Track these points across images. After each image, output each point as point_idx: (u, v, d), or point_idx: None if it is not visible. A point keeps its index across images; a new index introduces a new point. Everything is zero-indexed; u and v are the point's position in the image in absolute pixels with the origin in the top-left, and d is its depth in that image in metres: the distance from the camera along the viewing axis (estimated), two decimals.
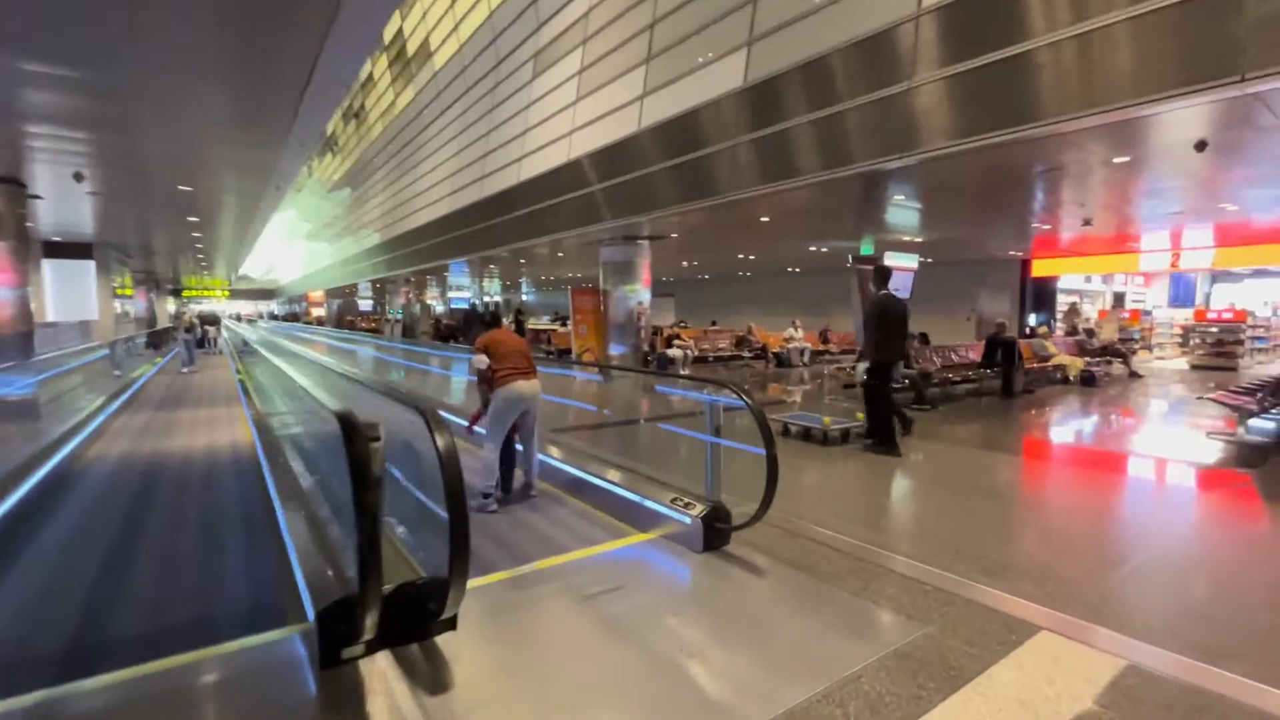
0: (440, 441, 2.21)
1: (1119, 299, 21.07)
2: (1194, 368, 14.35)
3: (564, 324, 18.72)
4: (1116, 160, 6.46)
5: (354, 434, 2.15)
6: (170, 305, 36.35)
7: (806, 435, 6.65)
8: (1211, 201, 9.21)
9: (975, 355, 10.85)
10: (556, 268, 20.98)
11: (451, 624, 2.53)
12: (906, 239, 12.50)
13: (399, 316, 25.79)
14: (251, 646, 2.57)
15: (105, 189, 9.93)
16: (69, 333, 15.13)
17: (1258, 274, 18.76)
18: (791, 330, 15.73)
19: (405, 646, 2.49)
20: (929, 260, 14.86)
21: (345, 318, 35.07)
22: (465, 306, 30.30)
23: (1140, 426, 8.28)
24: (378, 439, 2.32)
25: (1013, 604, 2.87)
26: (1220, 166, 6.80)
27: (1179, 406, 9.64)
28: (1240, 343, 14.33)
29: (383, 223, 22.70)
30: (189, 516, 4.78)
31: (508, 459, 4.54)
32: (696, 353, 14.86)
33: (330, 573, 2.67)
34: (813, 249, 14.99)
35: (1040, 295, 18.19)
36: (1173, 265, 15.21)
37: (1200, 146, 5.64)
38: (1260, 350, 15.79)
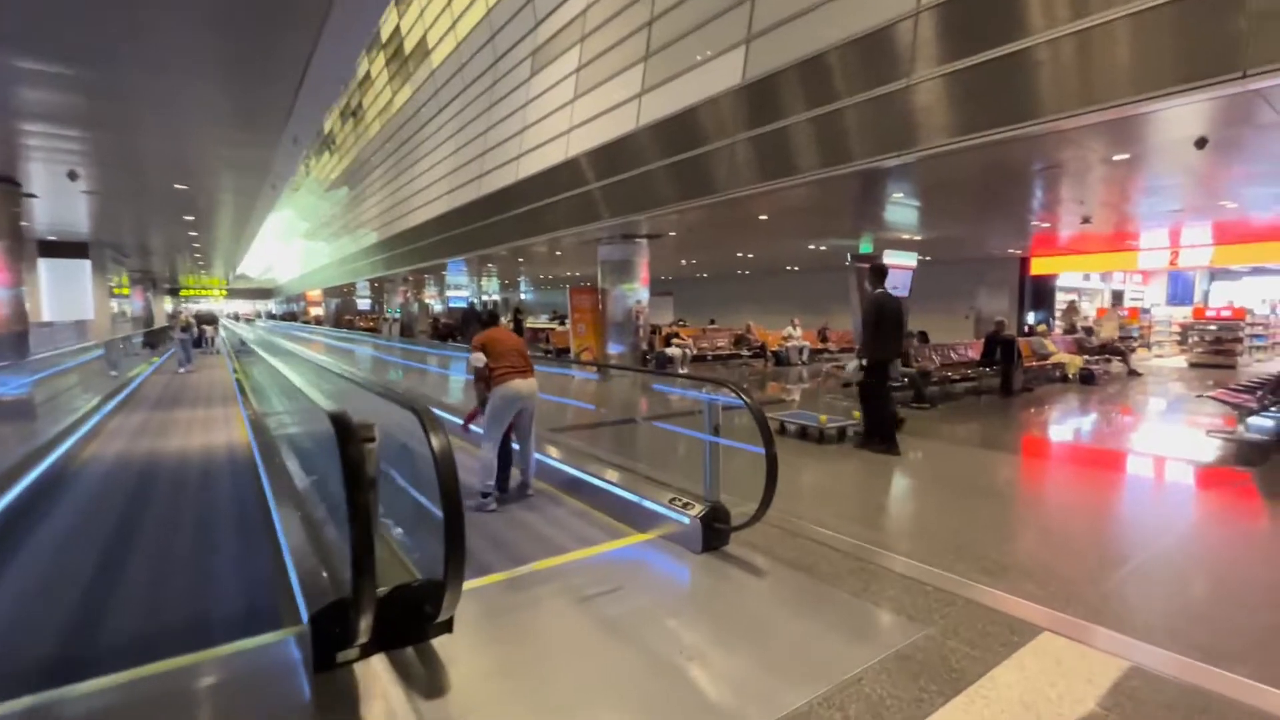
0: (435, 441, 2.18)
1: (1117, 297, 21.08)
2: (1193, 366, 14.35)
3: (562, 323, 18.68)
4: (1116, 158, 6.43)
5: (348, 435, 2.12)
6: (168, 305, 36.26)
7: (803, 434, 6.63)
8: (1210, 199, 9.20)
9: (974, 353, 10.85)
10: (555, 266, 20.94)
11: (448, 626, 2.50)
12: (905, 237, 12.48)
13: (397, 315, 25.73)
14: (246, 649, 2.53)
15: (100, 187, 9.88)
16: (65, 333, 15.06)
17: (1256, 271, 18.78)
18: (790, 329, 15.71)
19: (401, 649, 2.47)
20: (927, 258, 14.83)
21: (343, 317, 34.99)
22: (463, 305, 30.26)
23: (1140, 425, 8.27)
24: (372, 440, 2.30)
25: (1014, 604, 2.85)
26: (1219, 164, 6.78)
27: (1178, 404, 9.63)
28: (1239, 340, 14.34)
29: (380, 221, 22.64)
30: (184, 517, 4.74)
31: (504, 458, 4.52)
32: (695, 351, 14.84)
33: (325, 575, 2.64)
34: (811, 247, 14.96)
35: (1039, 293, 18.19)
36: (1171, 263, 15.20)
37: (1201, 144, 5.62)
38: (1259, 348, 15.79)
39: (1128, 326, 16.40)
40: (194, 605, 3.27)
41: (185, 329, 15.52)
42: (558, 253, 16.08)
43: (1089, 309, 18.91)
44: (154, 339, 21.50)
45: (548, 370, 9.82)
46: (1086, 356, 12.04)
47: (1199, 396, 9.52)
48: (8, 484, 4.76)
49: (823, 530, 3.79)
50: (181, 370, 14.42)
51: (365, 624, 2.18)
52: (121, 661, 2.41)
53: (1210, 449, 6.22)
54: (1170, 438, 7.22)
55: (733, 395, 3.46)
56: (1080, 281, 19.87)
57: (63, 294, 15.20)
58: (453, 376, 10.50)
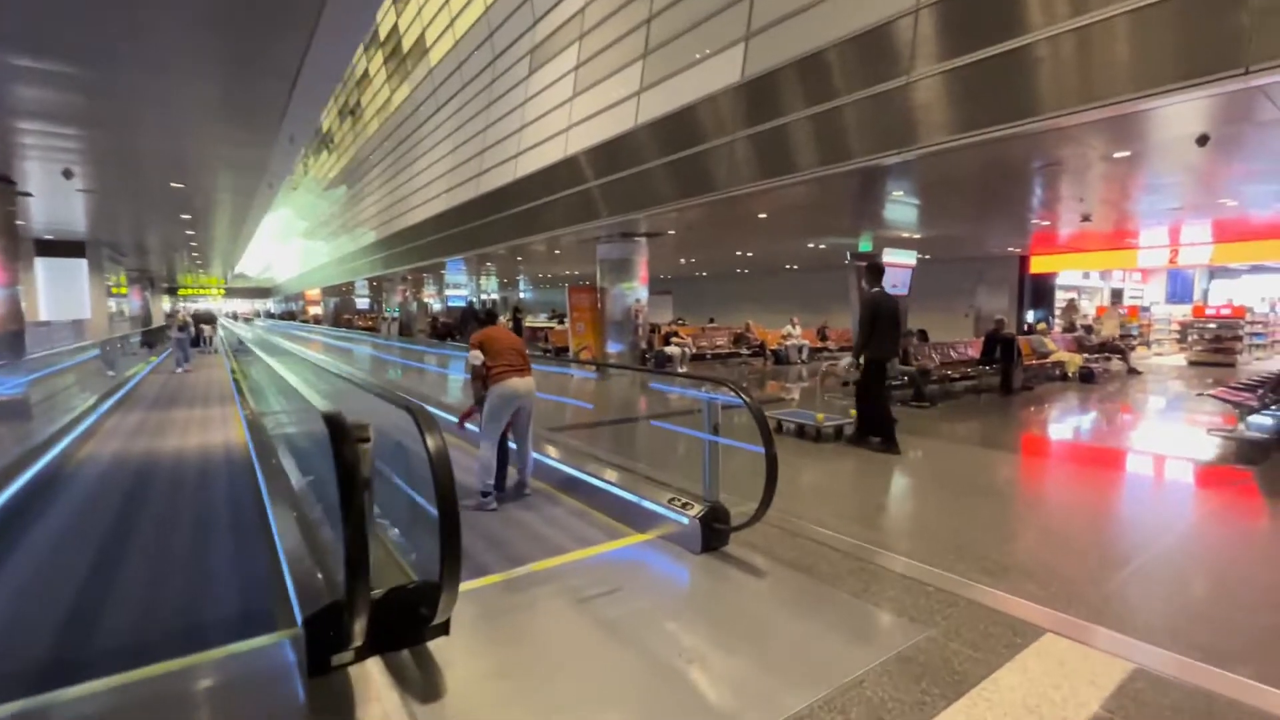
0: (431, 441, 2.15)
1: (1117, 295, 21.07)
2: (1192, 364, 14.34)
3: (561, 322, 18.65)
4: (1117, 155, 6.41)
5: (342, 435, 2.09)
6: (166, 304, 36.17)
7: (801, 432, 6.62)
8: (1210, 197, 9.18)
9: (974, 352, 10.82)
10: (554, 265, 20.90)
11: (444, 629, 2.47)
12: (905, 235, 12.45)
13: (396, 315, 25.69)
14: (240, 653, 2.51)
15: (95, 186, 9.83)
16: (62, 332, 15.01)
17: (1255, 270, 18.78)
18: (789, 327, 15.70)
19: (397, 652, 2.44)
20: (927, 257, 14.81)
21: (342, 316, 34.93)
22: (462, 304, 30.23)
23: (1140, 423, 8.25)
24: (367, 440, 2.27)
25: (1016, 605, 2.82)
26: (1220, 161, 6.76)
27: (1178, 403, 9.62)
28: (1239, 339, 14.33)
29: (379, 220, 22.59)
30: (180, 518, 4.71)
31: (501, 457, 4.49)
32: (694, 350, 14.81)
33: (320, 577, 2.61)
34: (811, 246, 14.93)
35: (1038, 291, 18.17)
36: (1171, 261, 15.18)
37: (1202, 141, 5.59)
38: (1258, 346, 15.78)
39: (1127, 325, 16.39)
40: (188, 607, 3.24)
41: (182, 328, 15.45)
42: (556, 251, 16.04)
43: (1088, 307, 18.90)
44: (151, 338, 21.44)
45: (547, 369, 9.80)
46: (1086, 355, 12.02)
47: (1199, 395, 9.51)
48: (2, 484, 4.73)
49: (822, 530, 3.76)
50: (179, 370, 14.37)
51: (360, 627, 2.15)
52: (114, 665, 2.39)
53: (1211, 447, 6.20)
54: (1171, 436, 7.20)
55: (732, 394, 3.44)
56: (1080, 280, 19.85)
57: (60, 293, 15.15)
58: (451, 376, 10.47)
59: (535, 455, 4.73)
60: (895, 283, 12.76)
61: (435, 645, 2.48)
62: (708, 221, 10.97)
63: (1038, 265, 17.35)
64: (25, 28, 4.74)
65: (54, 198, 10.72)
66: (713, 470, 3.62)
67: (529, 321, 22.43)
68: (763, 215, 10.21)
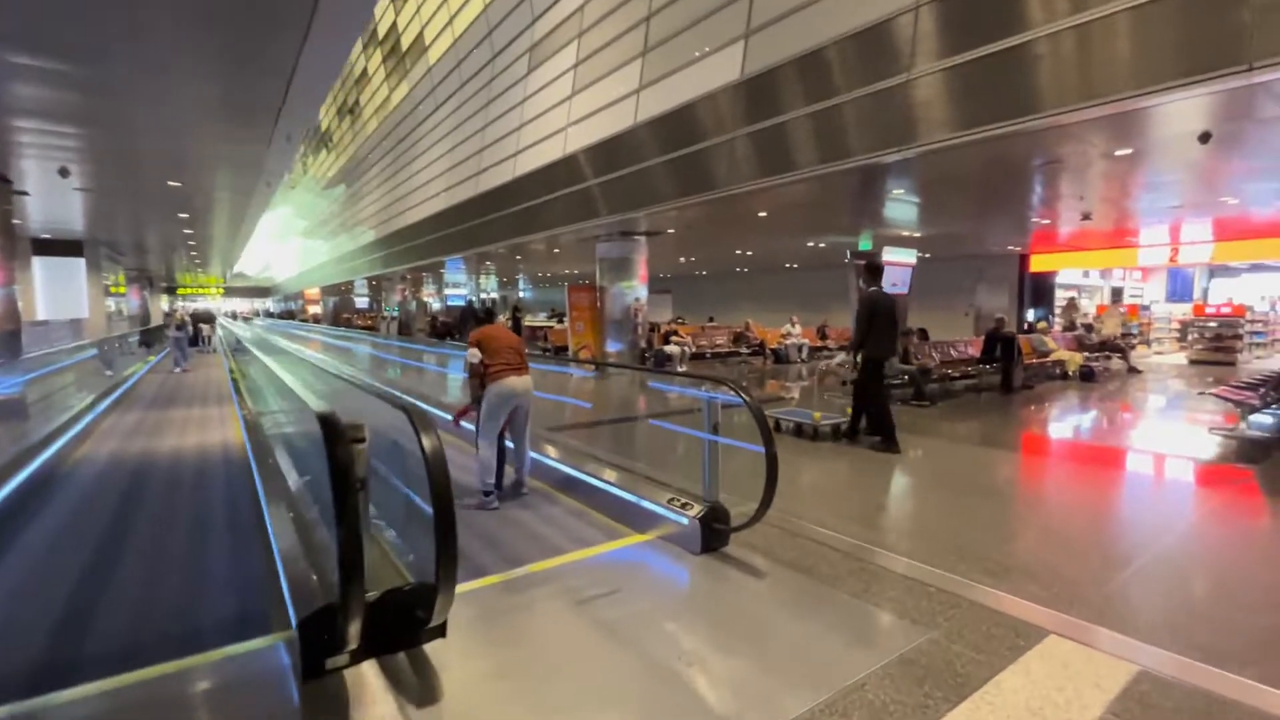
0: (426, 442, 2.12)
1: (1117, 294, 21.05)
2: (1192, 362, 14.32)
3: (561, 321, 18.61)
4: (1118, 153, 6.38)
5: (336, 436, 2.06)
6: (164, 303, 36.12)
7: (798, 431, 6.61)
8: (1211, 195, 9.16)
9: (974, 351, 10.80)
10: (553, 264, 20.86)
11: (441, 631, 2.44)
12: (905, 234, 12.42)
13: (395, 314, 25.65)
14: (234, 655, 2.48)
15: (92, 184, 9.79)
16: (60, 331, 14.97)
17: (1255, 269, 18.75)
18: (789, 326, 15.68)
19: (393, 655, 2.41)
20: (927, 255, 14.79)
21: (341, 315, 34.89)
22: (462, 304, 30.19)
23: (1141, 422, 8.22)
24: (362, 440, 2.24)
25: (1019, 606, 2.80)
26: (1221, 159, 6.74)
27: (1178, 402, 9.60)
28: (1239, 337, 14.31)
29: (378, 219, 22.54)
30: (176, 518, 4.68)
31: (499, 456, 4.47)
32: (694, 349, 14.78)
33: (315, 578, 2.58)
34: (810, 244, 14.90)
35: (1038, 290, 18.14)
36: (1171, 260, 15.16)
37: (1204, 138, 5.57)
38: (1258, 345, 15.77)
39: (1128, 324, 16.37)
40: (183, 609, 3.21)
41: (180, 327, 15.40)
42: (556, 250, 16.01)
43: (1088, 306, 18.88)
44: (150, 338, 21.40)
45: (546, 368, 9.77)
46: (1086, 354, 11.99)
47: (1200, 394, 9.49)
48: None
49: (823, 530, 3.74)
50: (177, 370, 14.33)
51: (354, 630, 2.12)
52: (107, 668, 2.36)
53: (1212, 446, 6.18)
54: (1172, 435, 7.18)
55: (732, 393, 3.41)
56: (1080, 278, 19.83)
57: (57, 292, 15.11)
58: (451, 375, 10.44)
59: (534, 454, 4.71)
60: (895, 281, 12.73)
61: (432, 648, 2.45)
62: (707, 220, 10.94)
63: (1038, 264, 17.32)
64: (23, 25, 4.70)
65: (51, 196, 10.68)
66: (712, 470, 3.60)
67: (528, 320, 22.39)
68: (762, 214, 10.18)
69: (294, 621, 2.34)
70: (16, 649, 2.81)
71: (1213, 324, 14.66)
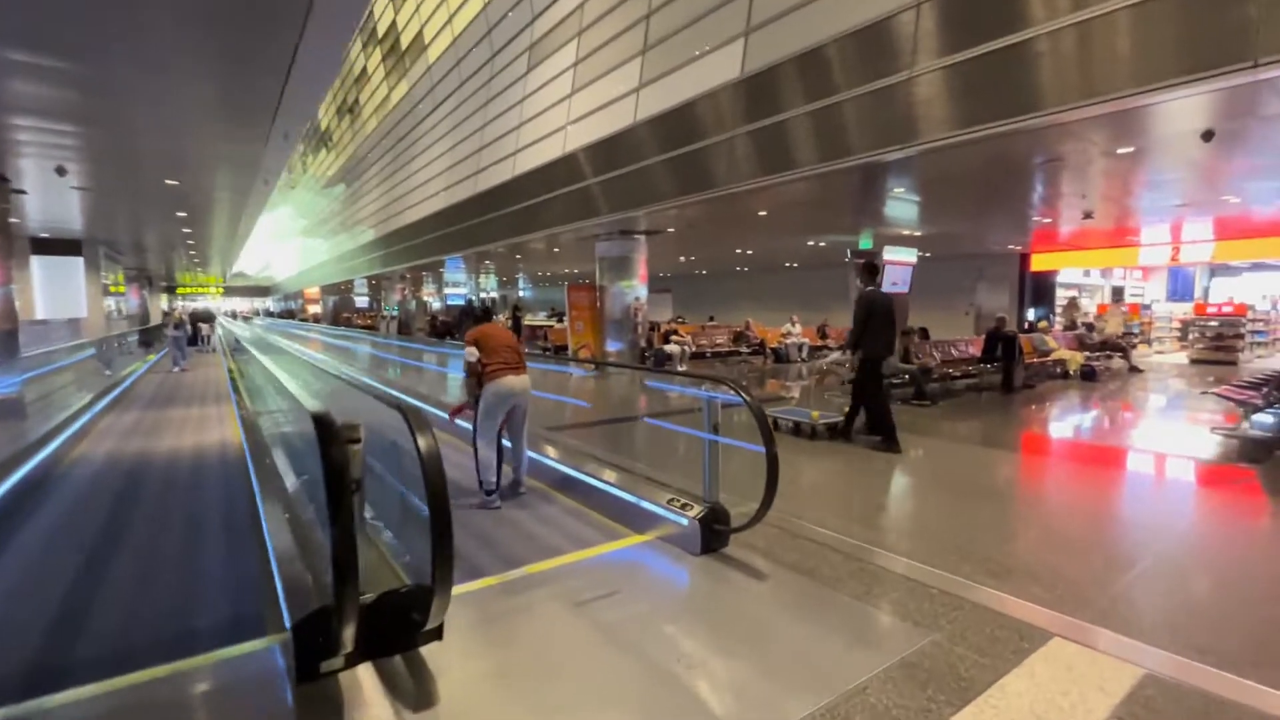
0: (422, 442, 2.09)
1: (1117, 293, 21.02)
2: (1194, 362, 14.29)
3: (560, 320, 18.57)
4: (1120, 151, 6.35)
5: (330, 436, 2.03)
6: (164, 302, 36.08)
7: (796, 430, 6.58)
8: (1213, 194, 9.13)
9: (975, 350, 10.77)
10: (553, 263, 20.83)
11: (437, 634, 2.41)
12: (906, 233, 12.39)
13: (394, 313, 25.62)
14: (228, 658, 2.45)
15: (89, 183, 9.74)
16: (59, 331, 14.94)
17: (1256, 267, 18.71)
18: (789, 326, 15.65)
19: (389, 658, 2.38)
20: (927, 254, 14.75)
21: (341, 315, 34.86)
22: (462, 303, 30.16)
23: (1143, 421, 8.19)
24: (357, 441, 2.21)
25: (1022, 608, 2.77)
26: (1223, 157, 6.71)
27: (1180, 401, 9.57)
28: (1240, 337, 14.28)
29: (378, 218, 22.51)
30: (172, 519, 4.65)
31: (498, 455, 4.44)
32: (694, 348, 14.74)
33: (310, 580, 2.55)
34: (811, 243, 14.87)
35: (1039, 289, 18.11)
36: (1173, 259, 15.13)
37: (1207, 136, 5.53)
38: (1260, 344, 15.73)
39: (1129, 323, 16.34)
40: (178, 611, 3.18)
41: (177, 326, 15.36)
42: (555, 249, 15.97)
43: (1089, 305, 18.85)
44: (149, 337, 21.36)
45: (545, 367, 9.74)
46: (1088, 353, 11.96)
47: (1202, 393, 9.47)
48: None
49: (824, 531, 3.70)
50: (175, 369, 14.30)
51: (349, 633, 2.09)
52: (99, 671, 2.33)
53: (1214, 446, 6.14)
54: (1174, 435, 7.15)
55: (732, 393, 3.38)
56: (1080, 277, 19.80)
57: (56, 292, 15.05)
58: (451, 374, 10.41)
59: (532, 454, 4.68)
60: (896, 280, 12.70)
61: (429, 650, 2.42)
62: (707, 219, 10.91)
63: (1038, 263, 17.29)
64: (22, 22, 4.67)
65: (49, 195, 10.64)
66: (712, 470, 3.56)
67: (528, 320, 22.36)
68: (763, 212, 10.14)
69: (288, 624, 2.32)
70: (10, 651, 2.78)
71: (1214, 323, 14.62)
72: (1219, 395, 6.98)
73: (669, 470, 4.14)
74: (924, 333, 10.90)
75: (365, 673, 2.29)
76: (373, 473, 3.14)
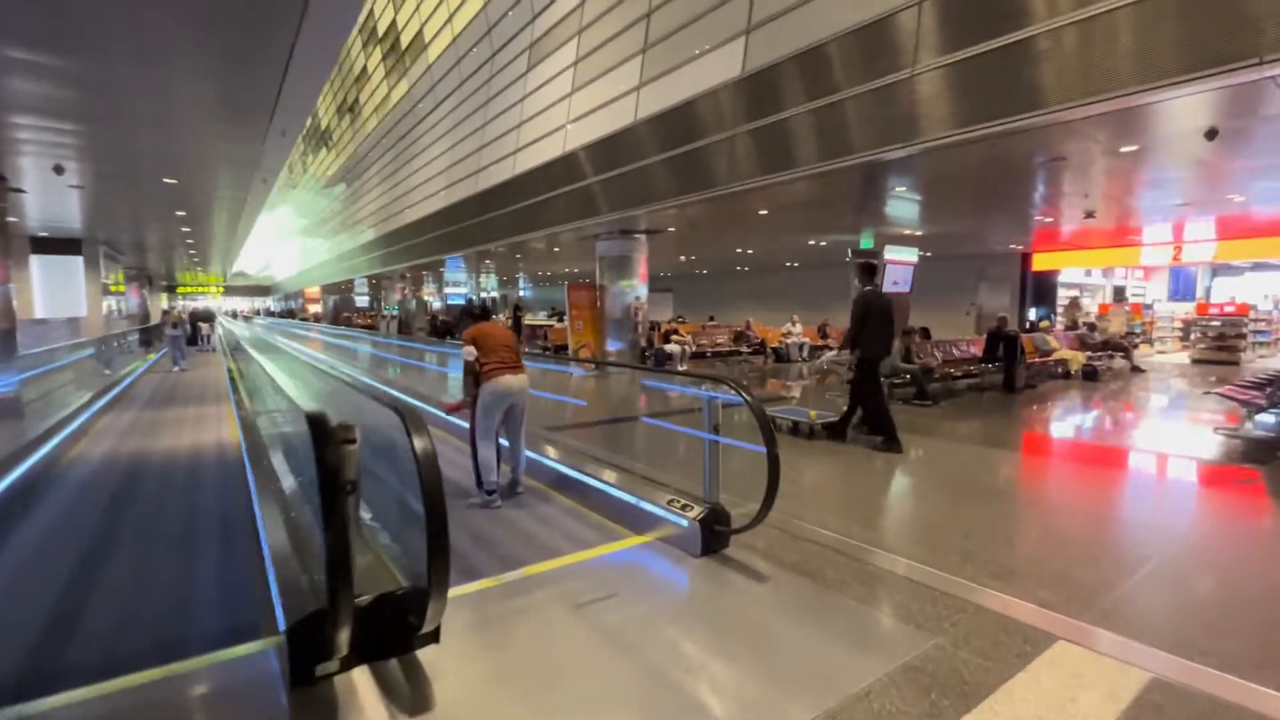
0: (418, 443, 2.06)
1: (1119, 293, 20.97)
2: (1195, 362, 14.25)
3: (561, 319, 18.54)
4: (1123, 150, 6.31)
5: (325, 437, 2.00)
6: (164, 302, 36.08)
7: (795, 430, 6.56)
8: (1215, 193, 9.09)
9: (976, 350, 10.73)
10: (553, 263, 20.80)
11: (434, 637, 2.38)
12: (907, 232, 12.35)
13: (395, 313, 25.60)
14: (222, 661, 2.42)
15: (88, 182, 9.72)
16: (58, 330, 14.92)
17: (1258, 267, 18.65)
18: (790, 325, 15.62)
19: (385, 661, 2.35)
20: (928, 254, 14.72)
21: (341, 314, 34.85)
22: (462, 302, 30.13)
23: (1145, 422, 8.15)
24: (353, 441, 2.17)
25: (1027, 611, 2.73)
26: (1226, 156, 6.67)
27: (1182, 401, 9.53)
28: (1243, 336, 14.24)
29: (378, 218, 22.49)
30: (169, 520, 4.62)
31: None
32: (694, 348, 14.71)
33: (304, 582, 2.52)
34: (812, 243, 14.84)
35: (1040, 289, 18.07)
36: (1174, 259, 15.08)
37: (1211, 135, 5.50)
38: (1262, 344, 15.69)
39: (1131, 323, 16.30)
40: (172, 614, 3.15)
41: (175, 325, 15.33)
42: (556, 249, 15.95)
43: (1090, 305, 18.81)
44: (149, 336, 21.34)
45: (545, 367, 9.71)
46: (1089, 353, 11.92)
47: (1205, 393, 9.43)
48: None
49: (825, 532, 3.67)
50: (175, 369, 14.28)
51: (343, 637, 2.06)
52: (92, 674, 2.30)
53: (1217, 446, 6.11)
54: (1177, 435, 7.11)
55: (733, 392, 3.34)
56: (1082, 277, 19.75)
57: (56, 291, 15.03)
58: (451, 374, 10.38)
59: (531, 454, 4.65)
60: (897, 280, 12.67)
61: (426, 654, 2.39)
62: (708, 218, 10.88)
63: (1040, 262, 17.25)
64: (22, 20, 4.65)
65: (48, 194, 10.61)
66: (713, 471, 3.53)
67: (528, 319, 22.34)
68: (763, 212, 10.11)
69: (282, 626, 2.29)
70: (3, 653, 2.75)
71: (1216, 323, 14.58)
72: (1222, 395, 6.95)
73: (669, 471, 4.11)
74: (925, 332, 10.86)
75: (361, 676, 2.26)
76: (371, 474, 3.11)
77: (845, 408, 6.37)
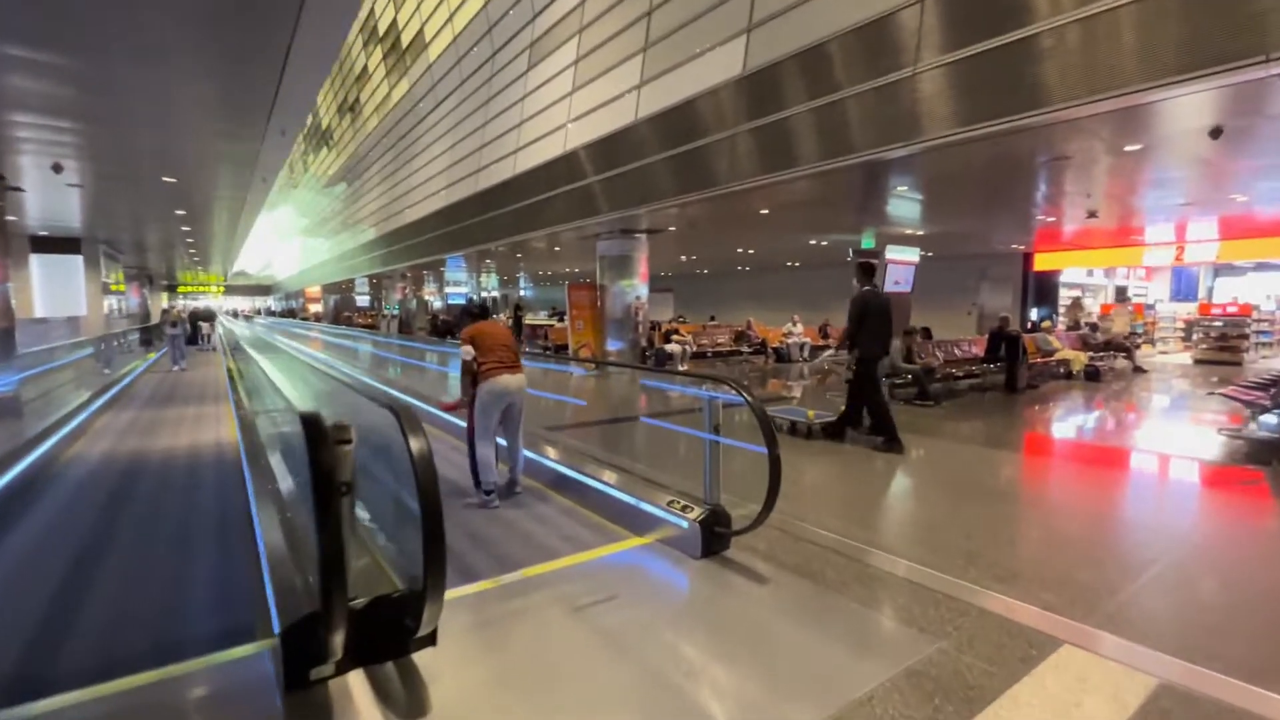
0: (414, 444, 2.03)
1: (1121, 293, 20.91)
2: (1198, 362, 14.20)
3: (561, 319, 18.52)
4: (1127, 149, 6.27)
5: (319, 437, 1.97)
6: (164, 301, 36.09)
7: (793, 429, 6.53)
8: (1218, 192, 9.05)
9: (978, 350, 10.69)
10: (554, 262, 20.77)
11: (431, 640, 2.35)
12: (908, 232, 12.32)
13: (395, 312, 25.59)
14: (216, 664, 2.39)
15: (87, 181, 9.71)
16: (57, 329, 14.91)
17: (1260, 267, 18.58)
18: (791, 325, 15.58)
19: (381, 665, 2.32)
20: (930, 254, 14.68)
21: (342, 314, 34.84)
22: (463, 302, 30.12)
23: (1148, 423, 8.11)
24: (348, 442, 2.14)
25: (1031, 614, 2.70)
26: (1230, 155, 6.63)
27: (1185, 402, 9.48)
28: (1245, 337, 14.19)
29: (379, 217, 22.48)
30: (166, 521, 4.60)
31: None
32: (695, 348, 14.68)
33: (300, 585, 2.49)
34: (812, 243, 14.81)
35: (1042, 289, 18.02)
36: (1177, 259, 15.04)
37: (1216, 133, 5.46)
38: (1264, 344, 15.64)
39: (1134, 323, 16.26)
40: (167, 616, 3.13)
41: (175, 324, 15.32)
42: (556, 248, 15.92)
43: (1092, 305, 18.77)
44: (149, 335, 21.33)
45: (546, 367, 9.69)
46: (1091, 353, 11.88)
47: (1208, 394, 9.39)
48: None
49: (826, 533, 3.64)
50: (175, 368, 14.26)
51: (338, 640, 2.03)
52: (84, 677, 2.28)
53: (1221, 447, 6.07)
54: (1180, 435, 7.07)
55: (733, 393, 3.31)
56: (1084, 277, 19.70)
57: (56, 290, 15.02)
58: (452, 374, 10.36)
59: (529, 454, 4.62)
60: (898, 279, 12.63)
61: (422, 657, 2.36)
62: (709, 217, 10.84)
63: (1041, 263, 17.21)
64: (21, 19, 4.63)
65: (48, 193, 10.60)
66: (713, 472, 3.50)
67: (529, 319, 22.32)
68: (764, 211, 10.07)
69: (277, 629, 2.26)
70: None
71: (1218, 323, 14.53)
72: (1226, 396, 6.91)
73: (669, 471, 4.08)
74: (927, 332, 10.82)
75: (356, 680, 2.23)
76: (370, 474, 3.08)
77: (844, 408, 6.34)
